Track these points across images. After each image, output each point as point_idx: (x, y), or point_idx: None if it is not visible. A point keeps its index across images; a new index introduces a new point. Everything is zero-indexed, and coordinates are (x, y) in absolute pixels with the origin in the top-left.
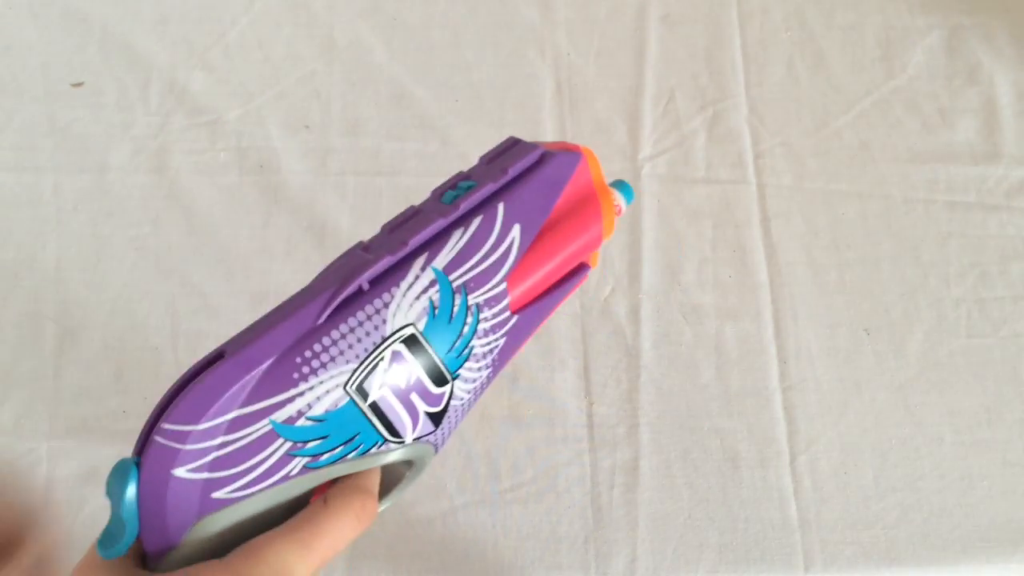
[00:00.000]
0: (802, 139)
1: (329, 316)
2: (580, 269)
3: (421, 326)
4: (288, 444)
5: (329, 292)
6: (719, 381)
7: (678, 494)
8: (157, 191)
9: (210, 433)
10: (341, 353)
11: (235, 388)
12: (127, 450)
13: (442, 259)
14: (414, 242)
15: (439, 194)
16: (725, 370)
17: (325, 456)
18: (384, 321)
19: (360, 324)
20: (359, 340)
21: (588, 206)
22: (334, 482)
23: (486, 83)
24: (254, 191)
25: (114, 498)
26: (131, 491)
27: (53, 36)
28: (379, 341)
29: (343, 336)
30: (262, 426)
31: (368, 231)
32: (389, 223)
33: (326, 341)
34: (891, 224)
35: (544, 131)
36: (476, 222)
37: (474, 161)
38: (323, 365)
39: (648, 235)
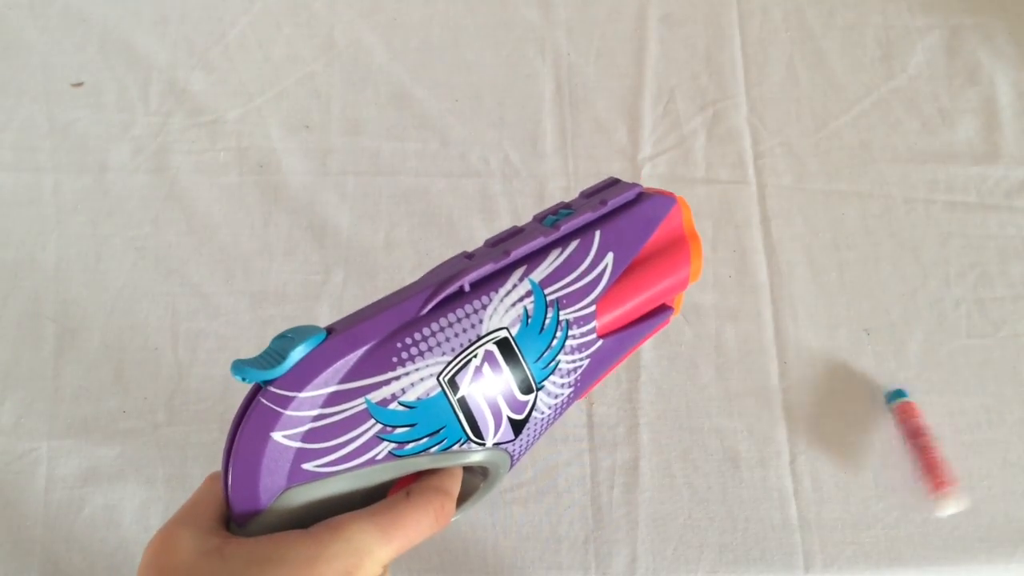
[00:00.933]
0: (802, 139)
1: (431, 309)
2: (663, 310)
3: (514, 332)
4: (378, 427)
5: (432, 287)
6: (719, 381)
7: (678, 494)
8: (157, 191)
9: (310, 403)
10: (438, 344)
11: (339, 363)
12: (128, 450)
13: (539, 273)
14: (516, 254)
15: (540, 218)
16: (725, 370)
17: (410, 445)
18: (481, 321)
19: (459, 320)
20: (456, 335)
21: (678, 249)
22: (416, 479)
23: (486, 83)
24: (254, 191)
25: (286, 342)
26: (303, 349)
27: (53, 36)
28: (474, 339)
29: (442, 329)
30: (357, 404)
31: (368, 231)
32: (491, 238)
33: (426, 331)
34: (891, 224)
35: (544, 131)
36: (573, 244)
37: (472, 161)
38: (421, 353)
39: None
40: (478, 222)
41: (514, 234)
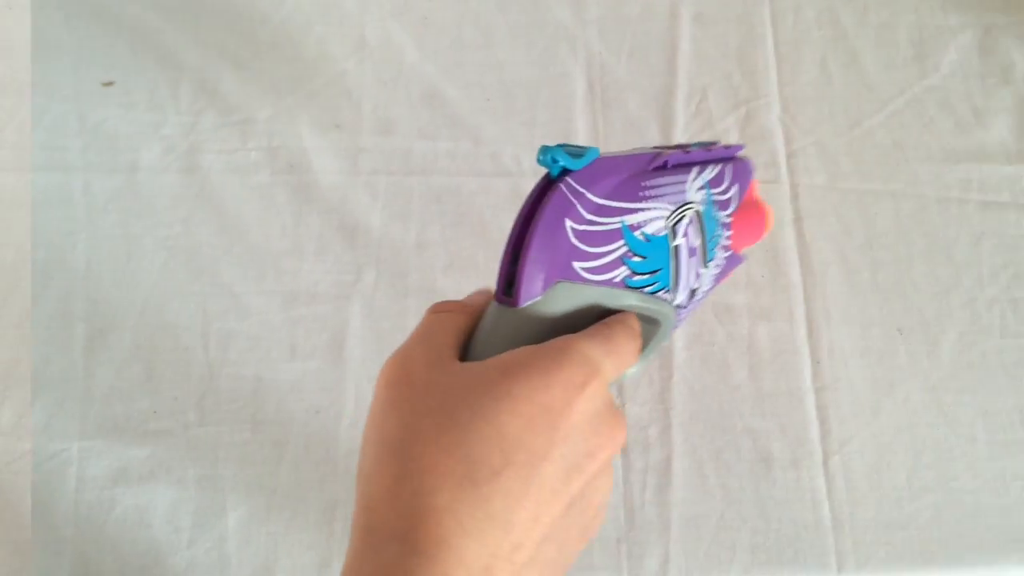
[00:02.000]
0: (835, 138)
1: (655, 168)
2: (739, 258)
3: (701, 209)
4: (624, 249)
5: (650, 155)
6: (752, 381)
7: (711, 495)
8: (188, 191)
9: (590, 205)
10: (665, 195)
11: (611, 180)
12: (158, 450)
13: (707, 175)
14: (694, 155)
15: (684, 144)
16: (758, 370)
17: (637, 278)
18: (684, 192)
19: (673, 183)
20: (673, 193)
21: (756, 205)
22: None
23: (518, 82)
24: (285, 191)
25: (571, 148)
26: (593, 154)
27: (83, 35)
28: (681, 203)
29: (664, 184)
30: (615, 222)
31: (399, 231)
32: (658, 146)
33: (656, 181)
34: (924, 224)
35: (576, 130)
36: (719, 167)
37: (504, 160)
38: (656, 196)
39: None
40: (510, 222)
41: (677, 146)
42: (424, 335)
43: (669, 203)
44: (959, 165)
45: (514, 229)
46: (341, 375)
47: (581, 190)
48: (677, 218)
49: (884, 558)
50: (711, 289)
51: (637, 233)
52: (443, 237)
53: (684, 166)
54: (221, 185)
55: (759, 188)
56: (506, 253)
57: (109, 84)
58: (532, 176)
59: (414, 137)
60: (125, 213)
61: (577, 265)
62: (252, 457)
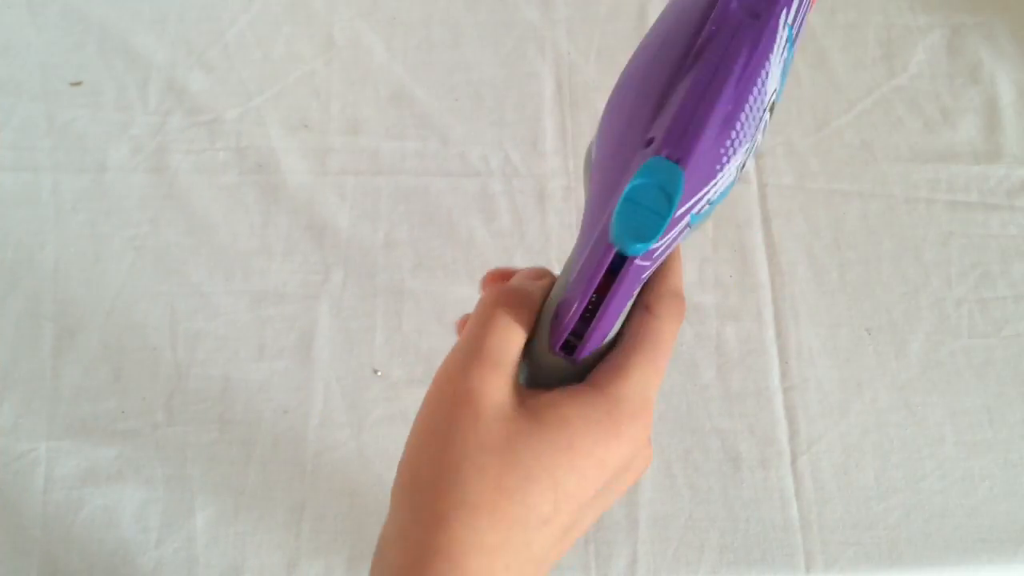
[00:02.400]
0: (803, 138)
1: (739, 80)
2: None
3: (780, 89)
4: (689, 227)
5: (734, 74)
6: (720, 381)
7: (679, 495)
8: (156, 191)
9: (661, 245)
10: (746, 137)
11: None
12: (127, 450)
13: (792, 14)
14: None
15: None
16: (726, 370)
17: (702, 214)
18: (765, 93)
19: (756, 100)
20: (754, 120)
21: None
22: (647, 287)
23: (486, 82)
24: (253, 191)
25: (662, 202)
26: (681, 181)
27: (51, 35)
28: (761, 114)
29: (748, 115)
30: (685, 222)
31: (367, 230)
32: None
33: (741, 120)
34: (892, 224)
35: (544, 130)
36: None
37: (472, 160)
38: (735, 151)
39: None
40: (478, 222)
41: None
42: (493, 347)
43: (747, 141)
44: (927, 165)
45: (577, 294)
46: (309, 375)
47: (656, 246)
48: (748, 155)
49: (852, 558)
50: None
51: (704, 208)
52: (411, 237)
53: (771, 32)
54: (189, 185)
55: None
56: (574, 312)
57: (77, 84)
58: (500, 177)
59: (382, 137)
60: (93, 213)
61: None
62: (220, 457)
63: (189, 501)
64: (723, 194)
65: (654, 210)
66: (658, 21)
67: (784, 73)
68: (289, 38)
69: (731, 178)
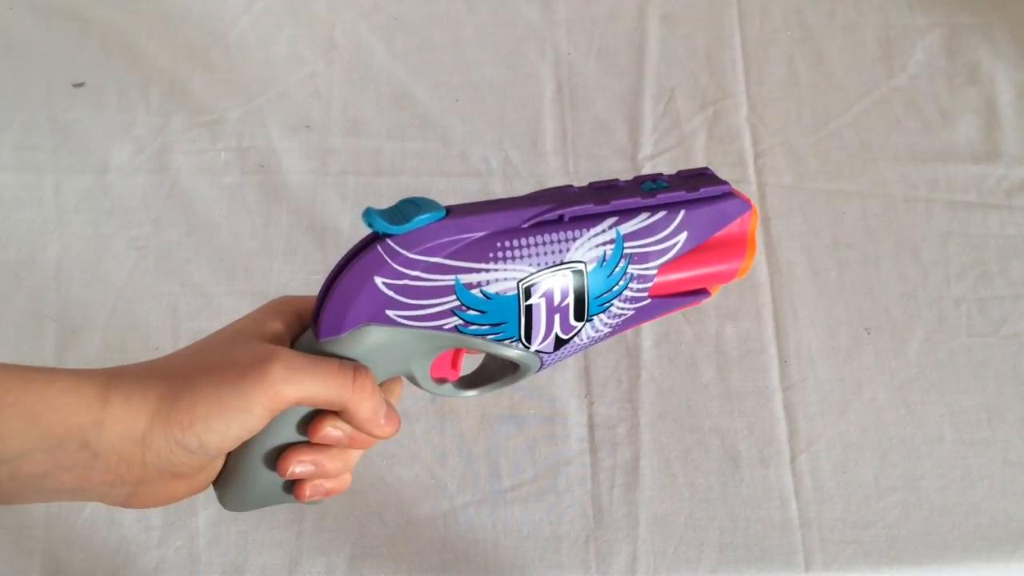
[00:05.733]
0: (802, 138)
1: (531, 226)
2: (703, 292)
3: (589, 268)
4: (456, 303)
5: (540, 209)
6: (720, 380)
7: (679, 493)
8: (158, 191)
9: (413, 264)
10: (528, 256)
11: (447, 240)
12: None
13: (627, 227)
14: (614, 204)
15: (639, 181)
16: (725, 369)
17: (473, 327)
18: (567, 250)
19: (550, 243)
20: (544, 254)
21: (737, 247)
22: (455, 355)
23: (486, 83)
24: (255, 191)
25: (412, 208)
26: (425, 219)
27: (54, 37)
28: (557, 262)
29: (535, 245)
30: (448, 279)
31: (369, 230)
32: (596, 183)
33: (522, 241)
34: (891, 223)
35: (544, 130)
36: (661, 214)
37: (473, 160)
38: (512, 258)
39: None
40: None
41: (614, 186)
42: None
43: (531, 264)
44: (926, 165)
45: (332, 270)
46: None
47: (400, 251)
48: (537, 280)
49: (851, 556)
50: (617, 331)
51: (475, 291)
52: None
53: (589, 218)
54: (191, 185)
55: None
56: (321, 288)
57: (80, 85)
58: (501, 177)
59: (383, 137)
60: (96, 213)
61: (392, 312)
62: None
63: (191, 500)
64: (505, 332)
65: (404, 213)
66: None
67: (602, 265)
68: (290, 39)
69: (513, 305)
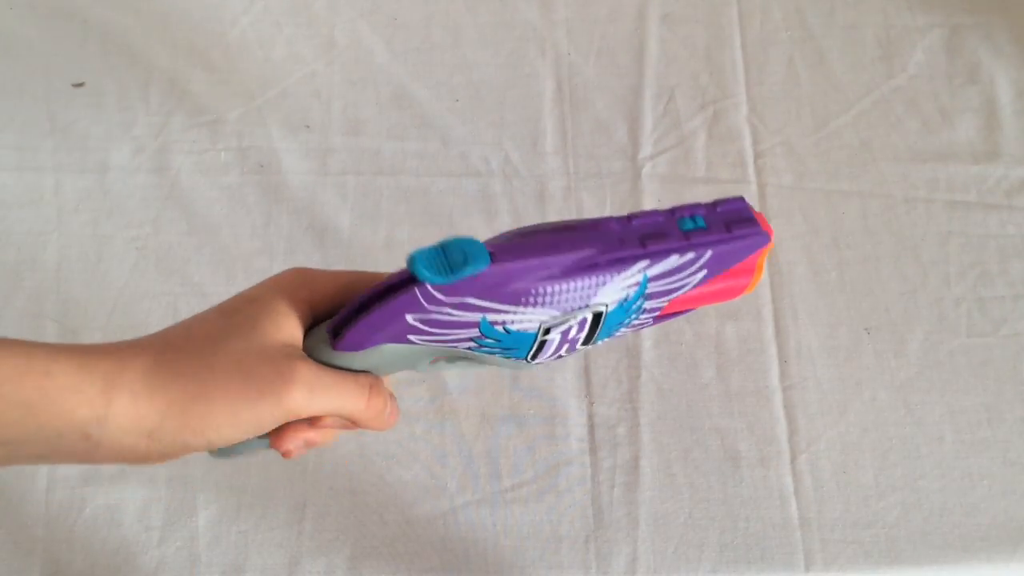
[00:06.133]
0: (802, 138)
1: (566, 272)
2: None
3: (610, 308)
4: (477, 333)
5: (579, 256)
6: (720, 380)
7: (679, 493)
8: (158, 191)
9: (446, 304)
10: (557, 303)
11: (481, 283)
12: None
13: (655, 270)
14: (651, 249)
15: (677, 216)
16: (726, 369)
17: (484, 349)
18: (594, 294)
19: (580, 288)
20: (572, 299)
21: (745, 273)
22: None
23: (486, 83)
24: (255, 191)
25: (459, 257)
26: (469, 271)
27: (54, 36)
28: (582, 305)
29: (565, 291)
30: (475, 317)
31: (368, 231)
32: (635, 217)
33: (554, 288)
34: (891, 223)
35: (544, 130)
36: (689, 255)
37: (472, 161)
38: (542, 304)
39: None
40: (479, 222)
41: (655, 220)
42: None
43: (558, 310)
44: (926, 165)
45: (366, 295)
46: None
47: (437, 295)
48: (558, 322)
49: (851, 556)
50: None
51: (498, 327)
52: (412, 237)
53: (622, 261)
54: (191, 185)
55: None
56: (350, 308)
57: (79, 85)
58: (501, 177)
59: (383, 137)
60: (95, 213)
61: (413, 337)
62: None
63: (191, 500)
64: (514, 353)
65: (450, 261)
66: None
67: (623, 305)
68: (290, 39)
69: (529, 339)
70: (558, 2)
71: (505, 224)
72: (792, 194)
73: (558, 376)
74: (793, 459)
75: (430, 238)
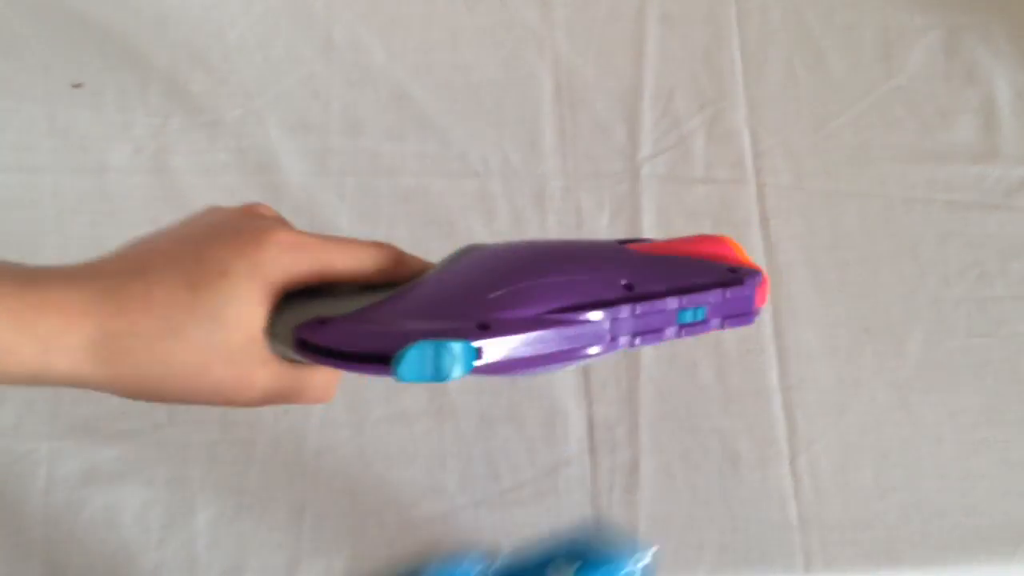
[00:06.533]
0: (801, 139)
1: (552, 359)
2: None
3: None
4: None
5: (566, 349)
6: (719, 381)
7: (678, 495)
8: (157, 192)
9: None
10: (543, 372)
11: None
12: (128, 451)
13: (646, 342)
14: (640, 342)
15: (678, 309)
16: (725, 370)
17: None
18: (580, 361)
19: (565, 365)
20: (556, 368)
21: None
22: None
23: (485, 83)
24: (254, 192)
25: (454, 359)
26: (460, 371)
27: (53, 36)
28: (567, 365)
29: (551, 368)
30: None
31: (368, 231)
32: (640, 301)
33: (540, 368)
34: (890, 224)
35: (543, 131)
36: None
37: (471, 161)
38: (527, 375)
39: (647, 235)
40: (478, 223)
41: (655, 314)
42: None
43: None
44: (925, 165)
45: (353, 331)
46: None
47: None
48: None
49: (851, 557)
50: None
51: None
52: (411, 238)
53: (611, 350)
54: (190, 186)
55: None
56: (326, 333)
57: (78, 85)
58: (500, 177)
59: (382, 138)
60: (94, 214)
61: None
62: (221, 457)
63: (190, 501)
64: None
65: (436, 364)
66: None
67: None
68: (289, 39)
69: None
70: (557, 3)
71: (504, 225)
72: (791, 194)
73: (557, 377)
74: (792, 460)
75: (429, 238)
